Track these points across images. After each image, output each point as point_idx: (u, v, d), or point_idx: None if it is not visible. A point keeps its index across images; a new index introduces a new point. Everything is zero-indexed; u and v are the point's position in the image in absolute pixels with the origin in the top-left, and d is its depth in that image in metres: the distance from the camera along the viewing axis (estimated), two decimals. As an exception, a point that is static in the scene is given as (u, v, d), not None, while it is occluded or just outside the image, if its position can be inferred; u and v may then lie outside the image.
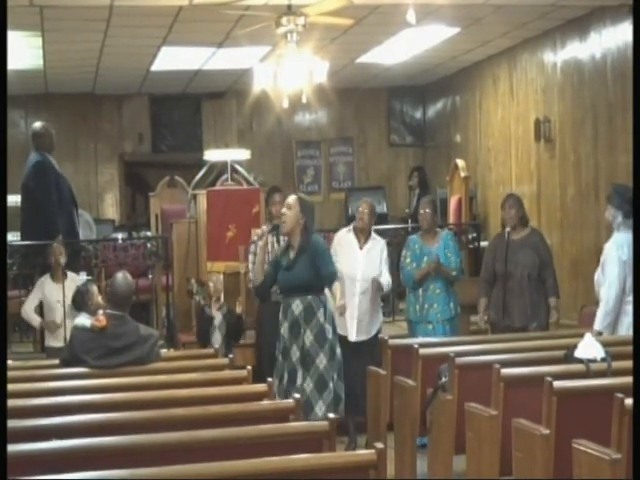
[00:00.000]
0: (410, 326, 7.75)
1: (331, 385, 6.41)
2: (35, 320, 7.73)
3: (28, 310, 7.73)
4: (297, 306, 6.35)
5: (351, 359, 6.95)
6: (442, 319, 7.52)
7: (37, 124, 8.82)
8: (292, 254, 6.44)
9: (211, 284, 7.72)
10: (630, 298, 6.24)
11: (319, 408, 6.32)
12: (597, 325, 6.40)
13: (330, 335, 6.48)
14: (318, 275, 6.43)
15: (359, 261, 7.41)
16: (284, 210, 6.40)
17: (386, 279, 7.52)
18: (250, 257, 7.66)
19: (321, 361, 6.39)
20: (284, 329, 6.35)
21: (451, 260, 7.58)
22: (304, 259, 6.41)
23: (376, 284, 7.43)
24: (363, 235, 7.53)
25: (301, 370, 6.30)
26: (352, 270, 7.37)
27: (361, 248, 7.47)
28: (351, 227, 7.65)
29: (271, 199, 7.77)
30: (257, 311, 7.85)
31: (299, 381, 6.29)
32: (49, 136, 8.60)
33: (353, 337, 7.37)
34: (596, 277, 6.68)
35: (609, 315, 6.36)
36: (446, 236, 7.76)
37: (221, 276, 7.94)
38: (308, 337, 6.35)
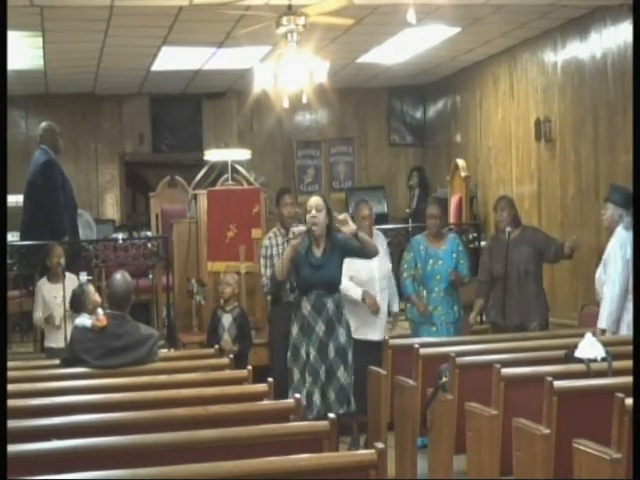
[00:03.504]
0: (413, 327, 7.74)
1: (352, 381, 6.53)
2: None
3: (40, 318, 7.71)
4: (331, 304, 6.43)
5: (358, 358, 6.95)
6: (446, 321, 7.53)
7: (45, 122, 8.84)
8: (318, 252, 6.46)
9: (228, 288, 7.67)
10: (631, 296, 6.25)
11: (352, 402, 6.48)
12: (601, 323, 6.41)
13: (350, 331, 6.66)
14: (366, 253, 6.60)
15: (373, 262, 7.35)
16: (315, 213, 6.39)
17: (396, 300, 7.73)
18: (261, 261, 7.60)
19: (350, 357, 6.52)
20: (319, 327, 6.39)
21: (463, 266, 7.60)
22: (335, 258, 6.48)
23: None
24: (369, 236, 7.49)
25: (342, 365, 6.41)
26: (370, 272, 7.33)
27: None
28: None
29: (282, 200, 7.72)
30: (269, 313, 7.85)
31: (341, 376, 6.39)
32: (56, 134, 8.62)
33: (377, 336, 7.35)
34: (597, 275, 6.69)
35: (613, 313, 6.37)
36: (454, 240, 7.74)
37: (237, 276, 7.92)
38: (342, 333, 6.46)
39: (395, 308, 7.77)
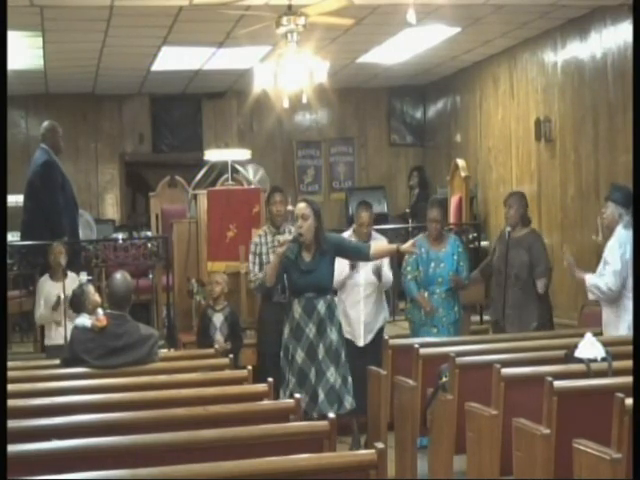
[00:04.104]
0: (413, 328, 7.71)
1: (350, 379, 6.54)
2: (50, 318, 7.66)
3: (41, 315, 7.69)
4: (322, 306, 6.45)
5: (356, 359, 6.97)
6: (447, 323, 7.51)
7: (48, 122, 8.83)
8: (308, 257, 6.48)
9: (217, 287, 7.67)
10: (631, 294, 6.24)
11: (347, 401, 6.49)
12: (590, 279, 6.41)
13: (342, 331, 6.70)
14: (358, 257, 6.78)
15: (360, 266, 7.36)
16: (301, 222, 6.43)
17: (388, 276, 7.54)
18: (250, 257, 7.67)
19: (343, 356, 6.54)
20: (309, 329, 6.43)
21: (463, 268, 7.59)
22: (325, 261, 6.50)
23: (377, 274, 7.45)
24: (364, 240, 7.48)
25: (332, 366, 6.43)
26: (355, 276, 7.38)
27: None
28: (352, 234, 7.59)
29: (272, 198, 7.78)
30: (259, 311, 7.87)
31: (330, 377, 6.40)
32: (58, 135, 8.62)
33: (361, 342, 7.38)
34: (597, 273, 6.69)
35: (604, 293, 6.34)
36: (454, 242, 7.70)
37: (225, 276, 7.92)
38: (333, 334, 6.49)
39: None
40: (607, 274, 6.36)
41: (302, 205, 6.50)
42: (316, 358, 6.41)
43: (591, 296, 6.52)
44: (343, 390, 6.47)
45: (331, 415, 3.94)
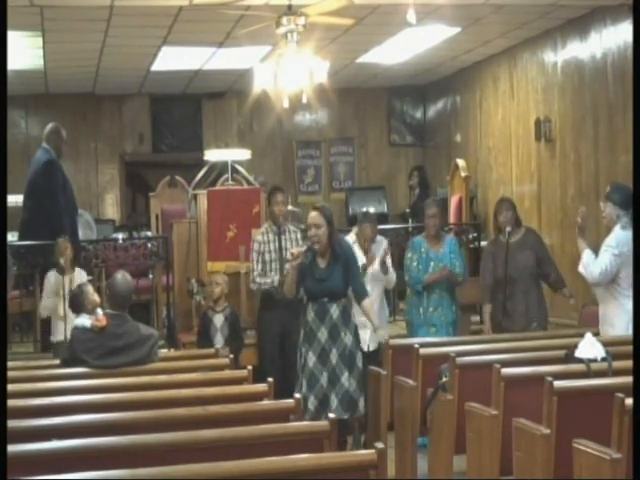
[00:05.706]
0: (411, 328, 7.69)
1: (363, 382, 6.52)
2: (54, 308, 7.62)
3: (44, 306, 7.68)
4: (335, 310, 6.42)
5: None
6: (446, 322, 7.51)
7: (53, 124, 8.82)
8: (323, 263, 6.45)
9: (217, 288, 7.67)
10: (629, 293, 6.23)
11: (361, 405, 6.44)
12: (587, 254, 6.44)
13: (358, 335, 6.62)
14: (354, 292, 6.55)
15: (366, 273, 7.33)
16: (314, 231, 6.39)
17: (392, 275, 7.55)
18: (254, 255, 7.71)
19: (359, 359, 6.50)
20: (321, 333, 6.39)
21: (456, 265, 7.58)
22: (339, 268, 6.45)
23: (384, 269, 7.46)
24: (370, 244, 7.48)
25: (346, 371, 6.37)
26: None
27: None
28: (354, 237, 7.58)
29: (273, 199, 7.80)
30: (258, 311, 7.87)
31: (345, 381, 6.35)
32: (61, 139, 8.62)
33: (365, 347, 7.32)
34: None
35: (592, 276, 6.37)
36: (451, 242, 7.73)
37: (225, 276, 7.92)
38: (348, 338, 6.43)
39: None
40: (600, 262, 6.36)
41: (314, 214, 6.45)
42: (329, 363, 6.36)
43: (580, 268, 6.54)
44: (357, 394, 6.40)
45: (331, 415, 3.94)
